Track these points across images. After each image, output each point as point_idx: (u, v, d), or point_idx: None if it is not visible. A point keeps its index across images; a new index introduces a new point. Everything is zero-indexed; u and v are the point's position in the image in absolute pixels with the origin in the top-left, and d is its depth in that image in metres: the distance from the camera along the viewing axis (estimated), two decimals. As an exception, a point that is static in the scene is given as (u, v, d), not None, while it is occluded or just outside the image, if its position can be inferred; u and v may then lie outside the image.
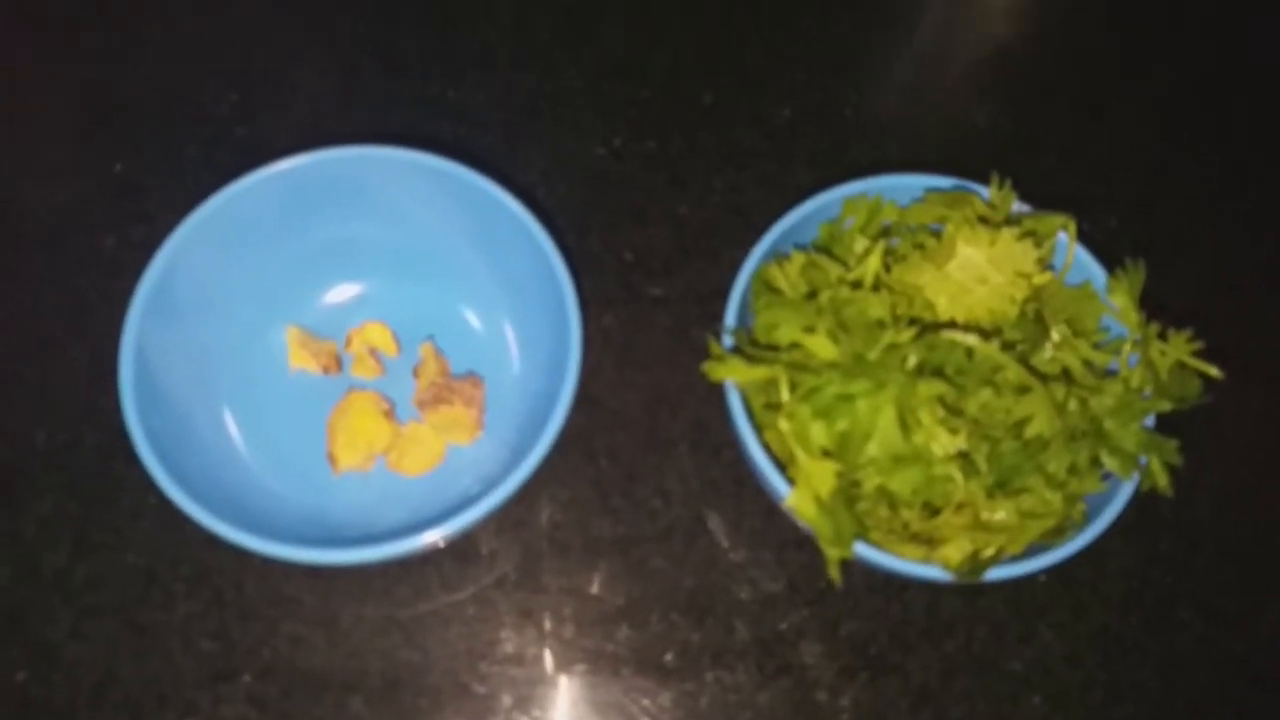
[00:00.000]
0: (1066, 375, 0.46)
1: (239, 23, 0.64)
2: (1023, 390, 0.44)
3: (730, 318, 0.47)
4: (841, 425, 0.42)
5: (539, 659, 0.49)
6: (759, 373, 0.42)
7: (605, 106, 0.63)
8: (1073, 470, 0.44)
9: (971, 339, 0.43)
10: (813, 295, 0.46)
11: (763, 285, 0.48)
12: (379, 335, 0.52)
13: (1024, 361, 0.44)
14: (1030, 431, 0.43)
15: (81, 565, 0.49)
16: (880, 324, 0.45)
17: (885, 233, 0.50)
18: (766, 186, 0.61)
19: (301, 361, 0.51)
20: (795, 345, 0.44)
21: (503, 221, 0.49)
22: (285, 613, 0.49)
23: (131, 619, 0.48)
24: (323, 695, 0.48)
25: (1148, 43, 0.69)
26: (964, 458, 0.43)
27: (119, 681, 0.47)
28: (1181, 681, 0.51)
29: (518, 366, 0.53)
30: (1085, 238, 0.49)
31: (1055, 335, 0.47)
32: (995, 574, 0.43)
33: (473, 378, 0.52)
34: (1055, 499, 0.44)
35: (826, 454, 0.43)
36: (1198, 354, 0.46)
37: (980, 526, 0.43)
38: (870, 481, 0.43)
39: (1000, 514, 0.43)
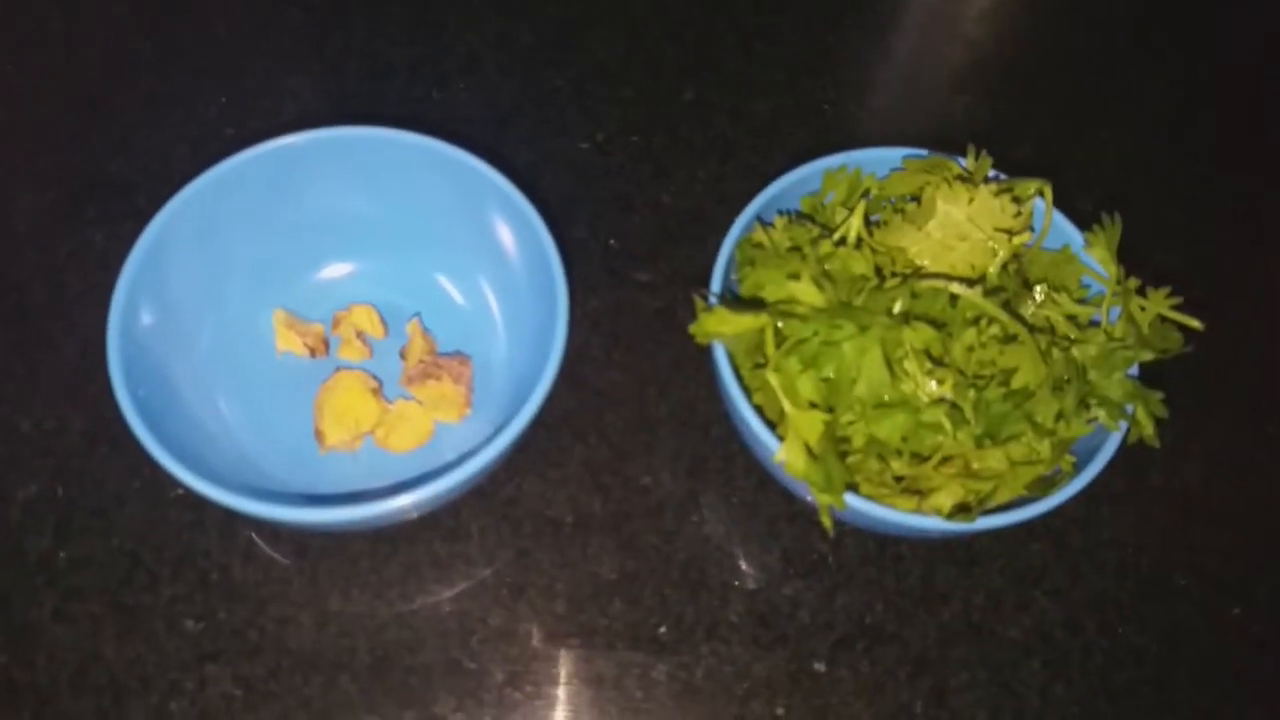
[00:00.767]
0: (1049, 328, 0.46)
1: (229, 28, 0.65)
2: (1007, 340, 0.44)
3: (716, 283, 0.48)
4: (828, 371, 0.42)
5: (531, 635, 0.49)
6: (746, 322, 0.43)
7: (589, 105, 0.64)
8: (1060, 417, 0.44)
9: (956, 285, 0.44)
10: (796, 249, 0.46)
11: (746, 257, 0.49)
12: (366, 318, 0.53)
13: (1009, 310, 0.45)
14: (1017, 382, 0.44)
15: (66, 548, 0.49)
16: (863, 278, 0.45)
17: (866, 204, 0.51)
18: (749, 176, 0.62)
19: (288, 344, 0.52)
20: (781, 302, 0.45)
21: (491, 200, 0.50)
22: (272, 594, 0.48)
23: (116, 601, 0.48)
24: (311, 675, 0.47)
25: (1122, 38, 0.72)
26: (952, 407, 0.43)
27: (103, 663, 0.46)
28: (1181, 646, 0.51)
29: (505, 347, 0.53)
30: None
31: (1037, 293, 0.47)
32: (989, 522, 0.42)
33: (460, 356, 0.52)
34: (1044, 446, 0.44)
35: (814, 406, 0.43)
36: (1177, 309, 0.47)
37: (970, 475, 0.43)
38: (859, 434, 0.43)
39: (990, 462, 0.43)
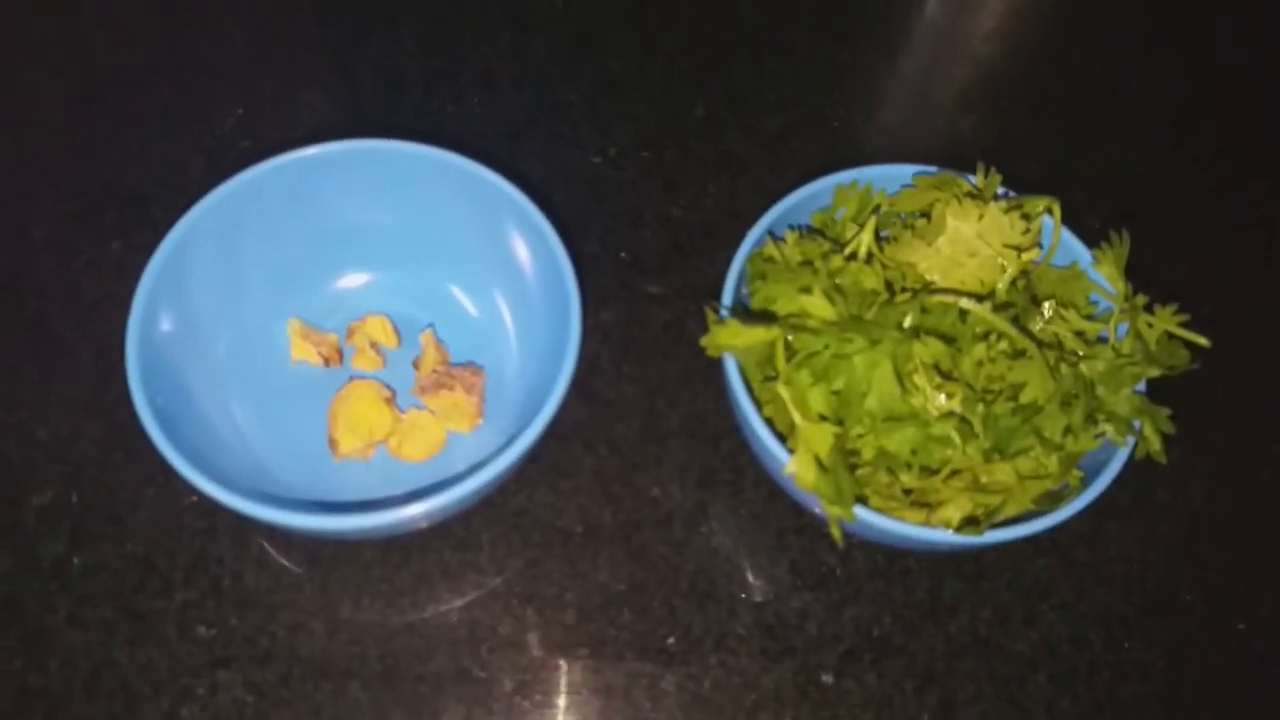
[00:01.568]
0: (1058, 344, 0.47)
1: (245, 41, 0.66)
2: (1016, 355, 0.45)
3: (727, 296, 0.48)
4: (839, 384, 0.42)
5: (540, 644, 0.49)
6: (757, 335, 0.43)
7: (601, 120, 0.65)
8: (1068, 431, 0.44)
9: (965, 301, 0.44)
10: (807, 264, 0.47)
11: (758, 271, 0.49)
12: (379, 328, 0.53)
13: (1017, 325, 0.45)
14: (1025, 397, 0.44)
15: (79, 554, 0.49)
16: (874, 292, 0.46)
17: (877, 220, 0.52)
18: (759, 191, 0.62)
19: (303, 353, 0.52)
20: (792, 316, 0.45)
21: (505, 213, 0.50)
22: (283, 601, 0.49)
23: (129, 607, 0.48)
24: (322, 682, 0.47)
25: (1128, 55, 0.72)
26: (961, 421, 0.44)
27: (115, 668, 0.47)
28: (1186, 661, 0.51)
29: (517, 358, 0.53)
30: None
31: (1046, 310, 0.48)
32: (999, 535, 0.43)
33: (472, 366, 0.52)
34: (1052, 461, 0.44)
35: (824, 419, 0.43)
36: (1184, 325, 0.47)
37: (979, 488, 0.44)
38: (868, 447, 0.44)
39: (998, 476, 0.44)
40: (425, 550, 0.50)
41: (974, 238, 0.47)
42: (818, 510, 0.44)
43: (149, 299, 0.45)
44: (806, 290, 0.44)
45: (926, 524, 0.43)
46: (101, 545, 0.49)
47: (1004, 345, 0.45)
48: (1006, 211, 0.47)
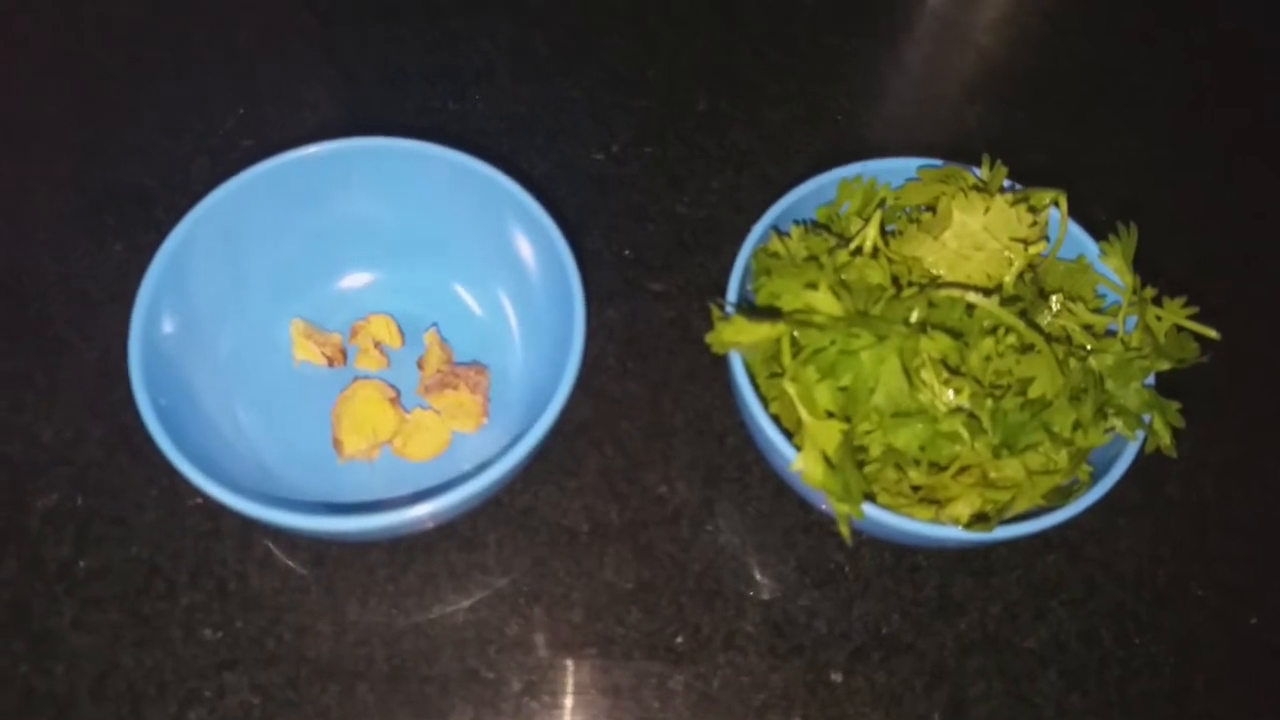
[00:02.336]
0: (1066, 338, 0.46)
1: (246, 40, 0.66)
2: (1024, 349, 0.44)
3: (732, 293, 0.48)
4: (846, 380, 0.42)
5: (548, 644, 0.49)
6: (763, 331, 0.43)
7: (603, 115, 0.64)
8: (1077, 426, 0.44)
9: (973, 295, 0.44)
10: (813, 259, 0.46)
11: (763, 266, 0.49)
12: (383, 328, 0.53)
13: (1025, 319, 0.45)
14: (1034, 392, 0.44)
15: (85, 557, 0.49)
16: (880, 287, 0.45)
17: (882, 213, 0.51)
18: (763, 186, 0.62)
19: (306, 354, 0.52)
20: (798, 311, 0.45)
21: (509, 211, 0.50)
22: (290, 602, 0.49)
23: (134, 610, 0.48)
24: (329, 684, 0.47)
25: (1133, 46, 0.72)
26: (969, 416, 0.43)
27: (121, 672, 0.46)
28: (1198, 657, 0.50)
29: (521, 357, 0.53)
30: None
31: (1053, 303, 0.47)
32: (1008, 531, 0.42)
33: (477, 365, 0.52)
34: (1061, 456, 0.44)
35: (831, 416, 0.43)
36: (1193, 318, 0.47)
37: (988, 484, 0.43)
38: (876, 444, 0.44)
39: (1007, 471, 0.43)
40: (431, 551, 0.50)
41: (980, 231, 0.47)
42: (825, 507, 0.44)
43: (151, 301, 0.45)
44: (812, 286, 0.43)
45: (935, 521, 0.43)
46: (107, 548, 0.49)
47: (1012, 340, 0.45)
48: (1013, 205, 0.47)
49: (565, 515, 0.52)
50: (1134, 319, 0.47)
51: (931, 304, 0.44)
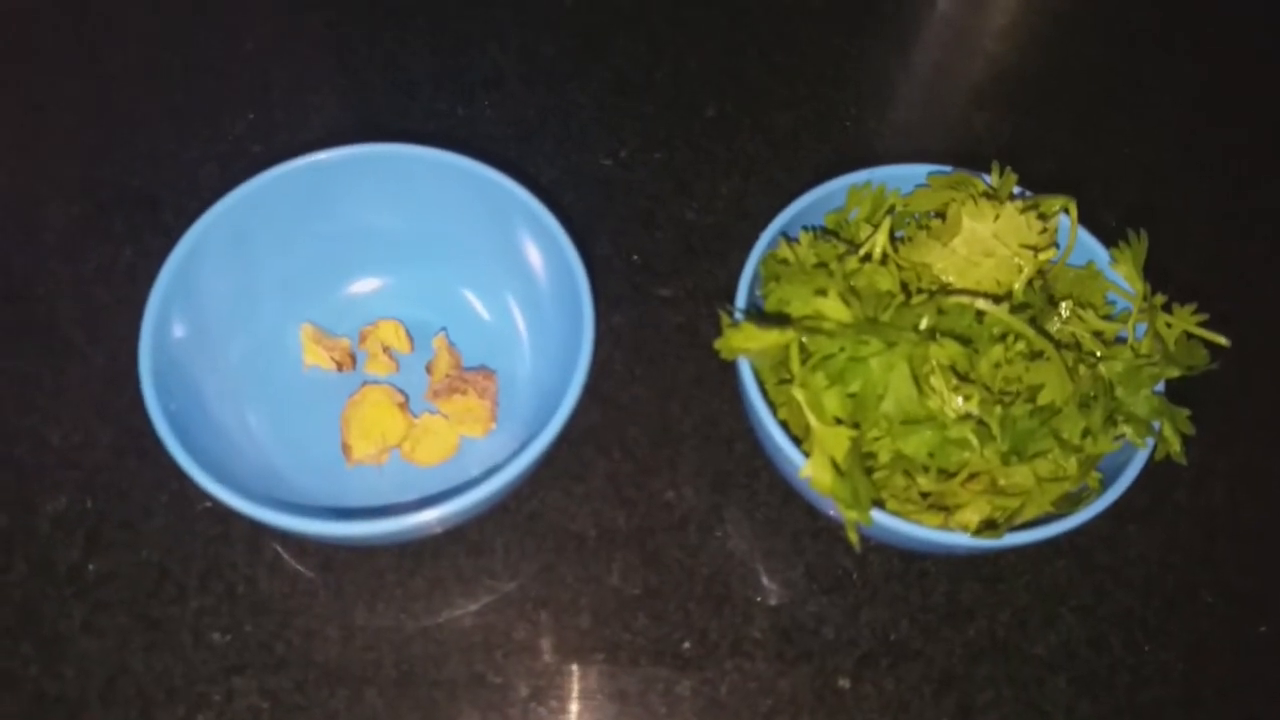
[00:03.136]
0: (1076, 345, 0.46)
1: (255, 46, 0.66)
2: (1034, 356, 0.44)
3: (741, 299, 0.48)
4: (855, 386, 0.42)
5: (555, 649, 0.49)
6: (772, 337, 0.43)
7: (611, 121, 0.64)
8: (1086, 434, 0.44)
9: (982, 302, 0.44)
10: (822, 266, 0.46)
11: (771, 272, 0.49)
12: (392, 333, 0.53)
13: (1035, 326, 0.45)
14: (1043, 399, 0.44)
15: (94, 561, 0.49)
16: (889, 294, 0.45)
17: (891, 219, 0.51)
18: (771, 192, 0.62)
19: (315, 358, 0.52)
20: (807, 318, 0.45)
21: (517, 216, 0.50)
22: (298, 606, 0.49)
23: (144, 613, 0.48)
24: (337, 688, 0.47)
25: (1142, 51, 0.72)
26: (978, 423, 0.43)
27: (131, 675, 0.47)
28: (1207, 663, 0.50)
29: (529, 362, 0.53)
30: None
31: (1063, 309, 0.47)
32: (1017, 538, 0.42)
33: (485, 370, 0.52)
34: (1071, 463, 0.44)
35: (840, 422, 0.43)
36: (1203, 325, 0.47)
37: (997, 491, 0.43)
38: (885, 450, 0.43)
39: (1016, 478, 0.43)
40: (439, 555, 0.50)
41: (990, 238, 0.47)
42: (833, 513, 0.44)
43: (161, 306, 0.45)
44: (822, 292, 0.43)
45: (944, 527, 0.43)
46: (116, 551, 0.49)
47: (1021, 346, 0.45)
48: (1023, 211, 0.47)
49: (573, 521, 0.52)
50: (1144, 326, 0.47)
51: (941, 311, 0.44)
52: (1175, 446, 0.45)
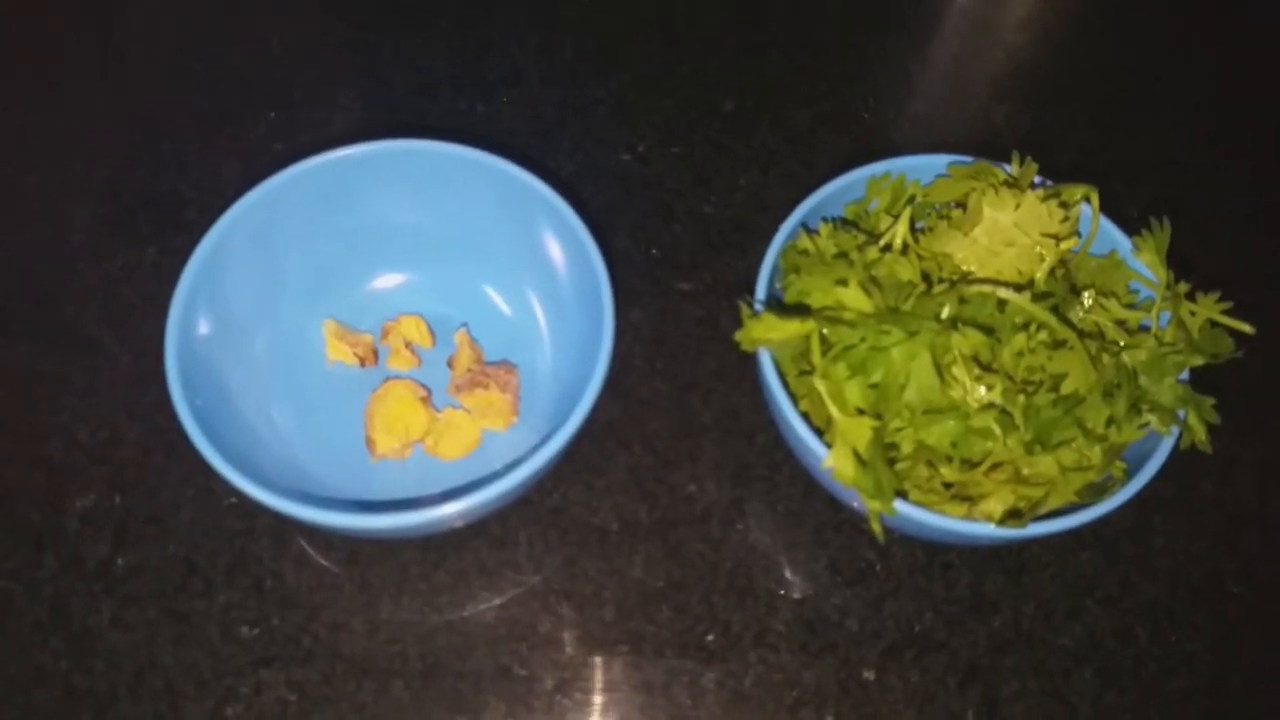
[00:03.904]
0: (1099, 333, 0.46)
1: (276, 45, 0.67)
2: (1057, 345, 0.44)
3: (761, 290, 0.48)
4: (877, 376, 0.42)
5: (580, 642, 0.49)
6: (792, 328, 0.43)
7: (630, 117, 0.65)
8: (1111, 422, 0.43)
9: (1004, 291, 0.44)
10: (842, 256, 0.46)
11: (791, 264, 0.49)
12: (414, 329, 0.53)
13: (1057, 315, 0.44)
14: (1066, 388, 0.43)
15: (123, 556, 0.49)
16: (910, 284, 0.45)
17: (911, 210, 0.51)
18: (789, 185, 0.62)
19: (338, 354, 0.52)
20: (827, 308, 0.45)
21: (537, 211, 0.50)
22: (324, 600, 0.49)
23: (172, 608, 0.48)
24: (364, 680, 0.48)
25: (1162, 40, 0.71)
26: (1001, 412, 0.43)
27: (160, 669, 0.47)
28: (1234, 654, 0.50)
29: (550, 356, 0.53)
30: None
31: (1086, 299, 0.47)
32: (1041, 528, 0.42)
33: (506, 365, 0.52)
34: (1095, 452, 0.44)
35: (861, 413, 0.43)
36: (1227, 313, 0.46)
37: (1021, 480, 0.43)
38: (907, 440, 0.43)
39: (1040, 468, 0.43)
40: (462, 549, 0.50)
41: (1011, 227, 0.47)
42: (856, 505, 0.44)
43: (187, 303, 0.45)
44: (842, 283, 0.43)
45: (968, 518, 0.43)
46: (144, 547, 0.50)
47: (1044, 335, 0.45)
48: (1044, 200, 0.47)
49: (595, 514, 0.52)
50: (1167, 314, 0.46)
51: (962, 300, 0.44)
52: (1201, 435, 0.45)
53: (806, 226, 0.50)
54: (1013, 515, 0.43)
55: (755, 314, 0.45)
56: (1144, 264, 0.48)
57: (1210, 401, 0.45)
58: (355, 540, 0.50)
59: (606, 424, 0.54)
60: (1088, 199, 0.49)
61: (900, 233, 0.47)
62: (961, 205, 0.50)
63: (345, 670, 0.47)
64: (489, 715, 0.47)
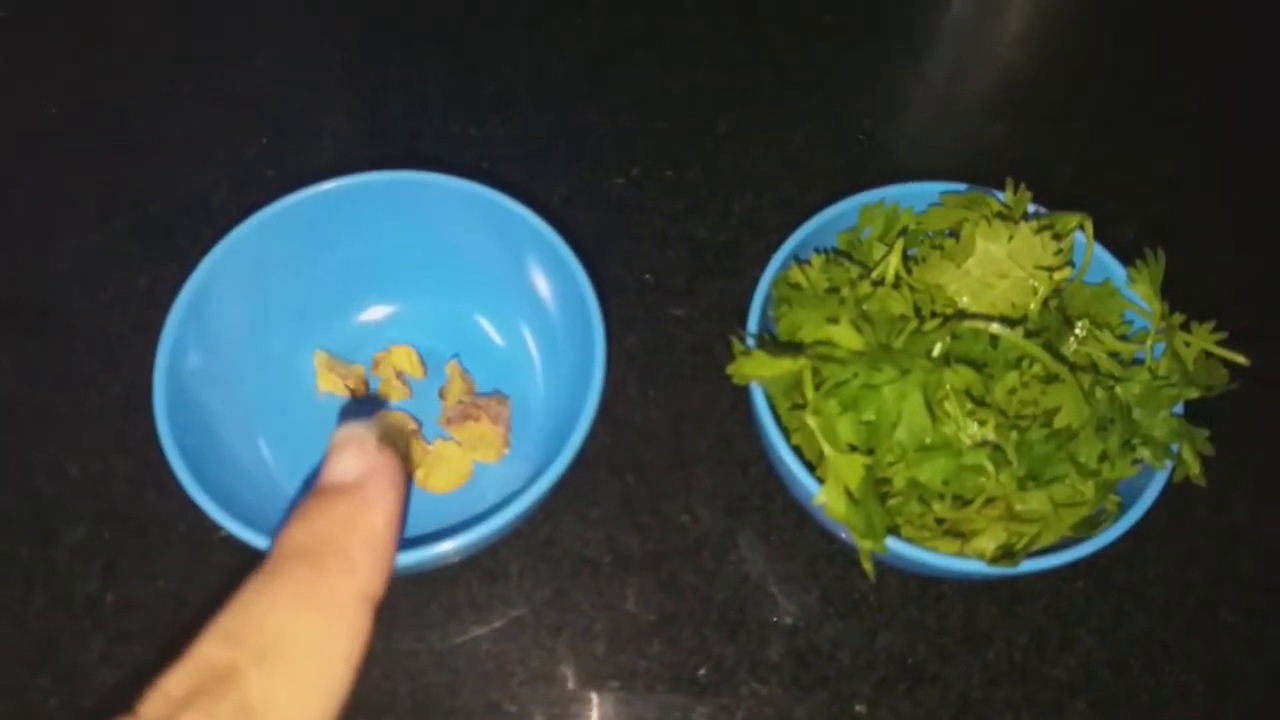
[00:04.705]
0: (1092, 366, 0.46)
1: (267, 69, 0.66)
2: (1049, 380, 0.44)
3: (753, 323, 0.47)
4: (868, 415, 0.42)
5: (570, 676, 0.49)
6: (784, 366, 0.42)
7: (623, 140, 0.64)
8: (1104, 458, 0.43)
9: (996, 327, 0.44)
10: (834, 291, 0.46)
11: (784, 295, 0.49)
12: (405, 359, 0.53)
13: (1050, 350, 0.44)
14: (1059, 422, 0.43)
15: (112, 591, 0.49)
16: (903, 318, 0.45)
17: (904, 240, 0.51)
18: (785, 208, 0.62)
19: (329, 385, 0.52)
20: (819, 343, 0.44)
21: (527, 241, 0.50)
22: (315, 635, 0.49)
23: (162, 644, 0.48)
24: (354, 718, 0.47)
25: (1158, 60, 0.71)
26: (994, 448, 0.43)
27: (149, 706, 0.47)
28: (1229, 684, 0.50)
29: (542, 387, 0.53)
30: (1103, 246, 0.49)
31: (1079, 330, 0.47)
32: (1034, 565, 0.42)
33: (498, 396, 0.52)
34: (1088, 488, 0.43)
35: (854, 449, 0.43)
36: (1222, 344, 0.46)
37: (1013, 517, 0.43)
38: (900, 476, 0.43)
39: (1033, 504, 0.43)
40: (454, 582, 0.50)
41: (1004, 259, 0.46)
42: (848, 538, 0.44)
43: (174, 343, 0.45)
44: (834, 320, 0.43)
45: (960, 554, 0.43)
46: (134, 582, 0.50)
47: (1037, 369, 0.44)
48: (1037, 231, 0.46)
49: (587, 545, 0.51)
50: (1162, 346, 0.46)
51: (954, 336, 0.44)
52: (1194, 469, 0.45)
53: (798, 257, 0.49)
54: (1006, 552, 0.43)
55: (747, 349, 0.45)
56: (1138, 295, 0.47)
57: (1204, 434, 0.45)
58: (346, 574, 0.50)
59: (599, 453, 0.54)
60: (1082, 227, 0.49)
61: (893, 265, 0.47)
62: (955, 234, 0.49)
63: (336, 707, 0.47)
64: (480, 752, 0.47)
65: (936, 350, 0.43)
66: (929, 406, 0.42)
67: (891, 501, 0.44)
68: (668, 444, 0.54)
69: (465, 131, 0.64)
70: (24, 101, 0.64)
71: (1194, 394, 0.45)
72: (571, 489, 0.53)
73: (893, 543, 0.42)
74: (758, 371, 0.44)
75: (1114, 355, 0.47)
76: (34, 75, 0.66)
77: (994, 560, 0.42)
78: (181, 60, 0.67)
